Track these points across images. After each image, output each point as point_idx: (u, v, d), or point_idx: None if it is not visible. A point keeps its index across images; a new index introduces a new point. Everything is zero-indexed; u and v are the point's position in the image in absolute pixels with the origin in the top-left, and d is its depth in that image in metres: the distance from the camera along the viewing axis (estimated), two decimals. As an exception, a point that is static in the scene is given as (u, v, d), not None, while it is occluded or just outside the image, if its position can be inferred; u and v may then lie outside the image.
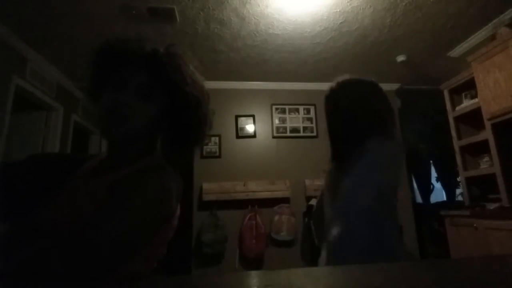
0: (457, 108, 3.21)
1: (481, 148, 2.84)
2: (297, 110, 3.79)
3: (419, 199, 5.44)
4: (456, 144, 3.15)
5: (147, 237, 0.58)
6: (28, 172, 0.73)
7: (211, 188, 3.33)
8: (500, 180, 2.54)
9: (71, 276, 0.47)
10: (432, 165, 5.45)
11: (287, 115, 3.76)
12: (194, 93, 0.70)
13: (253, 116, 3.68)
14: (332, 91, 1.16)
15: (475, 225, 2.46)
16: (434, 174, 5.45)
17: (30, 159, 0.76)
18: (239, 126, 3.64)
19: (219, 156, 3.51)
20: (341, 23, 2.60)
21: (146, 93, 0.68)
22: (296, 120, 3.76)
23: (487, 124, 2.66)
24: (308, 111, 3.80)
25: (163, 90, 0.69)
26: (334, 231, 0.85)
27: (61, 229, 0.55)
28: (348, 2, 2.34)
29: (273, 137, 3.68)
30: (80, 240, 0.50)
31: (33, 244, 0.52)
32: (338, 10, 2.43)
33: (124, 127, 0.65)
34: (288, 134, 3.71)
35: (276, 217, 3.34)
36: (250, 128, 3.66)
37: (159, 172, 0.64)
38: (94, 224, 0.52)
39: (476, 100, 2.87)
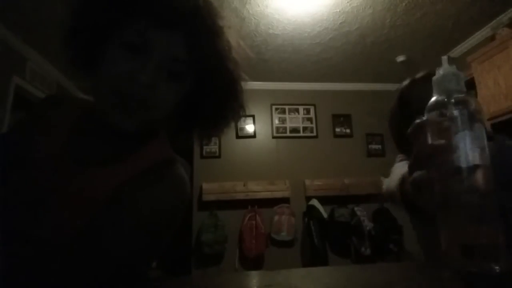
0: (457, 108, 3.21)
1: (481, 148, 2.84)
2: (297, 110, 3.79)
3: (419, 199, 5.44)
4: (456, 144, 3.15)
5: (164, 246, 0.51)
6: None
7: (211, 188, 3.33)
8: (500, 180, 2.54)
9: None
10: (432, 165, 5.45)
11: (287, 115, 3.76)
12: (238, 73, 0.55)
13: (253, 116, 3.68)
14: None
15: (475, 225, 2.46)
16: (434, 174, 5.45)
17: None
18: (239, 126, 3.63)
19: (219, 156, 3.51)
20: (341, 23, 2.60)
21: (179, 68, 0.48)
22: (296, 120, 3.76)
23: (487, 124, 2.66)
24: (308, 111, 3.79)
25: (197, 66, 0.49)
26: None
27: (54, 241, 0.43)
28: (348, 2, 2.34)
29: (273, 137, 3.68)
30: (82, 257, 0.41)
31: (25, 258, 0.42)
32: (338, 10, 2.43)
33: (138, 119, 0.47)
34: (288, 134, 3.71)
35: (276, 217, 3.34)
36: (250, 128, 3.66)
37: (176, 173, 0.52)
38: (109, 241, 0.43)
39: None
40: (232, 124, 0.59)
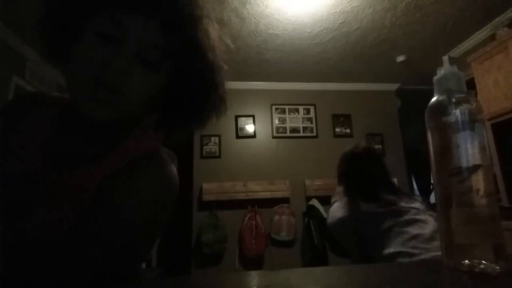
0: (457, 108, 3.21)
1: (481, 148, 2.84)
2: (297, 110, 3.79)
3: (419, 199, 5.43)
4: (456, 144, 3.15)
5: (155, 241, 0.52)
6: None
7: (211, 188, 3.33)
8: (499, 181, 2.54)
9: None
10: (432, 165, 5.44)
11: (287, 115, 3.76)
12: (219, 63, 0.53)
13: (253, 116, 3.68)
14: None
15: (475, 225, 2.45)
16: (434, 174, 5.45)
17: None
18: (239, 126, 3.64)
19: (219, 156, 3.51)
20: (341, 23, 2.60)
21: (155, 56, 0.46)
22: (296, 120, 3.76)
23: (487, 124, 2.66)
24: (308, 111, 3.80)
25: (176, 55, 0.48)
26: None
27: (39, 244, 0.44)
28: (348, 2, 2.34)
29: (273, 137, 3.68)
30: (71, 257, 0.42)
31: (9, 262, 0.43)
32: (338, 10, 2.43)
33: (112, 107, 0.45)
34: (288, 134, 3.71)
35: (276, 217, 3.34)
36: (250, 128, 3.66)
37: (160, 163, 0.51)
38: (92, 236, 0.43)
39: (476, 100, 2.87)
40: (213, 118, 0.57)
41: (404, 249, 1.10)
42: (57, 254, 0.42)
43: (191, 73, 0.51)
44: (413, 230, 1.15)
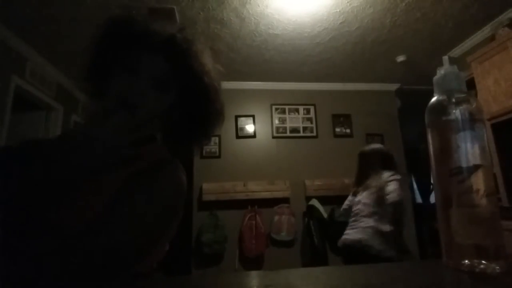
0: (457, 108, 3.21)
1: (481, 148, 2.84)
2: (297, 110, 3.79)
3: (419, 199, 5.44)
4: (456, 144, 3.14)
5: (166, 236, 0.59)
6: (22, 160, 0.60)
7: (211, 188, 3.33)
8: (499, 180, 2.54)
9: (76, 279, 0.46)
10: (432, 165, 5.43)
11: (287, 115, 3.76)
12: (213, 84, 0.67)
13: (253, 116, 3.68)
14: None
15: (475, 225, 2.45)
16: (434, 174, 5.43)
17: (24, 145, 0.64)
18: (239, 126, 3.64)
19: (219, 156, 3.52)
20: (341, 23, 2.60)
21: (162, 82, 0.62)
22: (296, 120, 3.76)
23: (487, 124, 2.66)
24: (308, 111, 3.80)
25: (179, 80, 0.64)
26: None
27: (67, 230, 0.51)
28: (348, 2, 2.34)
29: (273, 137, 3.68)
30: (93, 242, 0.49)
31: (34, 246, 0.50)
32: (338, 10, 2.43)
33: (133, 120, 0.59)
34: (288, 134, 3.71)
35: (276, 217, 3.34)
36: (250, 128, 3.66)
37: (174, 168, 0.62)
38: (111, 225, 0.51)
39: (476, 100, 2.87)
40: (214, 130, 0.72)
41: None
42: (80, 242, 0.49)
43: (192, 92, 0.65)
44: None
